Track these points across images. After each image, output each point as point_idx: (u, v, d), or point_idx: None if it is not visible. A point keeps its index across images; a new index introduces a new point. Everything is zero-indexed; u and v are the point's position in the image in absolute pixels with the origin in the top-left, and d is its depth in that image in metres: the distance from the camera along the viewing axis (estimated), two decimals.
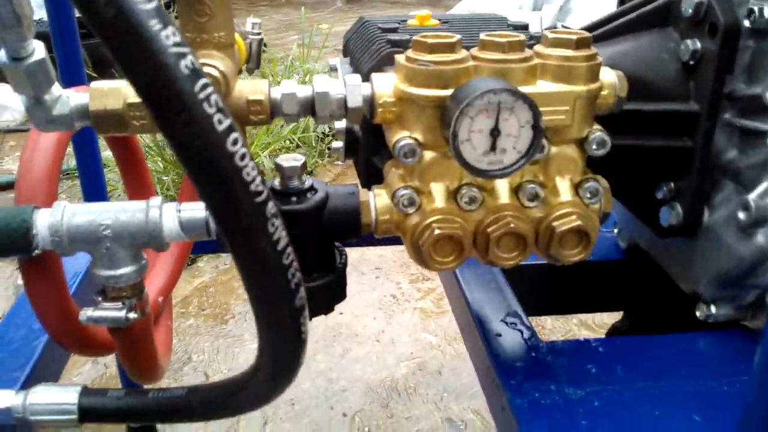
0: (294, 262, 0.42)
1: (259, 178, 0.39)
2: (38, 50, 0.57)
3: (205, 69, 0.60)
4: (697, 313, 0.84)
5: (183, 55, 0.35)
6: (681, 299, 0.89)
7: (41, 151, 0.75)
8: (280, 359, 0.47)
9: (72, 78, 1.09)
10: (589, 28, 0.83)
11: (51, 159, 0.75)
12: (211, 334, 2.01)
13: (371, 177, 0.77)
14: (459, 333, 1.04)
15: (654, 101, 0.78)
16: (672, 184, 0.82)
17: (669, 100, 0.78)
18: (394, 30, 0.80)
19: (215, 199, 0.37)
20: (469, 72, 0.61)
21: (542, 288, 1.06)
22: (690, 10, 0.75)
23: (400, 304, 2.08)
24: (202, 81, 0.36)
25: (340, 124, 0.82)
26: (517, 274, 1.02)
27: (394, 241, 1.10)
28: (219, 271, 2.34)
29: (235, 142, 0.37)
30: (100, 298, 0.73)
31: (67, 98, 0.62)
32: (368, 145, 0.77)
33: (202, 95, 0.36)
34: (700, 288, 0.83)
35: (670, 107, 0.78)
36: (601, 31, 0.81)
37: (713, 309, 0.82)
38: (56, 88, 0.61)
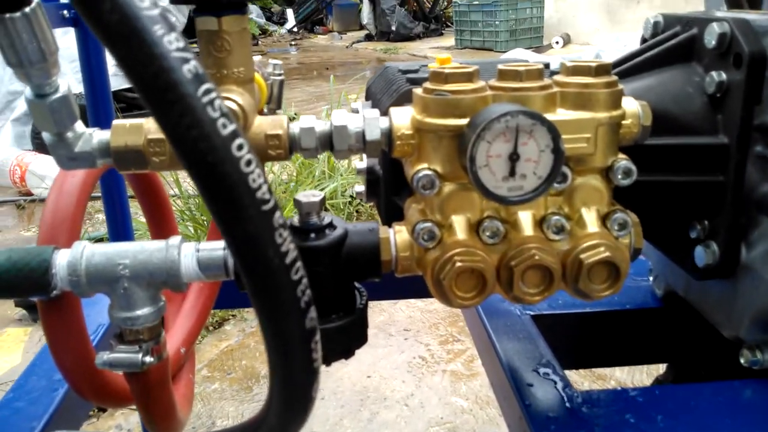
0: (304, 279, 0.41)
1: (266, 186, 0.38)
2: (62, 87, 0.58)
3: (225, 103, 0.60)
4: (741, 360, 0.80)
5: (186, 60, 0.35)
6: (724, 347, 0.84)
7: (66, 193, 0.76)
8: (290, 387, 0.45)
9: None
10: (613, 66, 0.82)
11: (75, 200, 0.75)
12: (236, 398, 1.97)
13: (392, 217, 0.76)
14: (491, 397, 0.99)
15: (681, 135, 0.76)
16: (706, 222, 0.79)
17: (696, 134, 0.76)
18: (414, 71, 0.80)
19: (219, 204, 0.36)
20: (487, 101, 0.60)
21: (576, 339, 1.02)
22: (713, 42, 0.74)
23: (429, 366, 2.02)
24: (206, 86, 0.36)
25: (361, 164, 0.81)
26: (549, 323, 0.99)
27: (418, 292, 1.08)
28: (246, 334, 2.31)
29: (240, 148, 0.36)
30: (116, 342, 0.72)
31: (90, 135, 0.63)
32: (389, 184, 0.76)
33: (205, 99, 0.35)
34: (742, 332, 0.79)
35: (699, 141, 0.76)
36: (624, 68, 0.80)
37: (758, 354, 0.77)
38: (79, 125, 0.62)
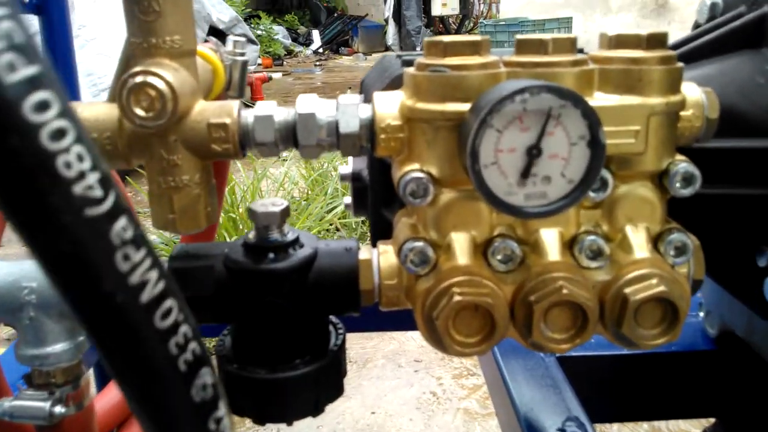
0: (182, 327, 0.25)
1: (99, 175, 0.22)
2: None
3: (148, 79, 0.45)
4: None
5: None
6: None
7: None
8: None
9: None
10: None
11: None
12: None
13: (381, 235, 0.60)
14: None
15: (750, 137, 0.60)
16: None
17: None
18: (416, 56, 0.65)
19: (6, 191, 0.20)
20: (499, 79, 0.45)
21: (610, 386, 0.84)
22: None
23: (441, 403, 1.84)
24: None
25: (346, 169, 0.66)
26: (578, 367, 0.82)
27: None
28: None
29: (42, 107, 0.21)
30: (25, 385, 0.57)
31: None
32: (377, 193, 0.61)
33: None
34: None
35: None
36: (679, 53, 0.64)
37: None
38: None
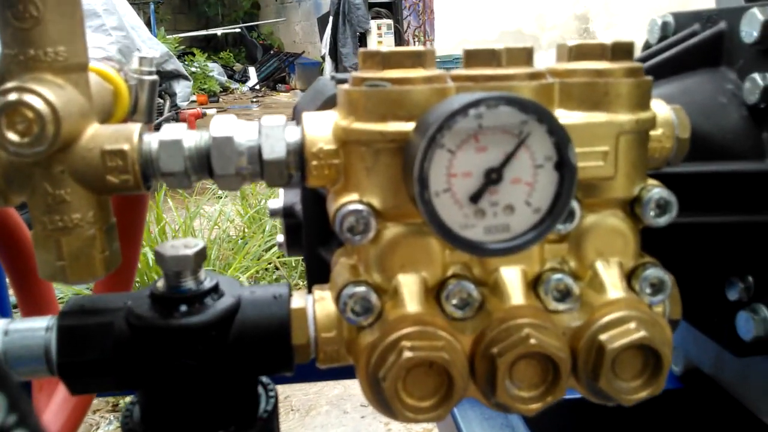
0: None
1: None
2: None
3: (23, 97, 0.37)
4: None
5: None
6: None
7: None
8: None
9: None
10: None
11: None
12: None
13: (318, 277, 0.52)
14: None
15: (715, 161, 0.55)
16: (750, 279, 0.57)
17: (736, 158, 0.55)
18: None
19: None
20: (446, 95, 0.38)
21: (574, 431, 0.78)
22: (755, 34, 0.54)
23: None
24: None
25: (276, 203, 0.58)
26: (539, 413, 0.75)
27: None
28: None
29: None
30: None
31: None
32: (311, 230, 0.53)
33: None
34: None
35: (740, 168, 0.55)
36: None
37: None
38: None
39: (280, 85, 12.04)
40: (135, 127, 0.42)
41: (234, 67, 12.54)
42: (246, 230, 2.80)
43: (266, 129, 0.42)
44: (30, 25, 0.39)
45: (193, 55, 10.57)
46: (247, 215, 2.85)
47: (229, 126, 0.42)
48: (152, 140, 0.41)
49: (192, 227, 2.67)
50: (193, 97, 8.39)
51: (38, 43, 0.39)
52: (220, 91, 10.89)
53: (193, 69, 9.84)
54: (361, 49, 0.41)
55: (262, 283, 2.49)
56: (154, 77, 0.51)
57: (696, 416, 0.76)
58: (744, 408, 0.66)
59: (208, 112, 7.44)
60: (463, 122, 0.33)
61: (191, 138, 0.42)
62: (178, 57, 7.47)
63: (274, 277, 2.56)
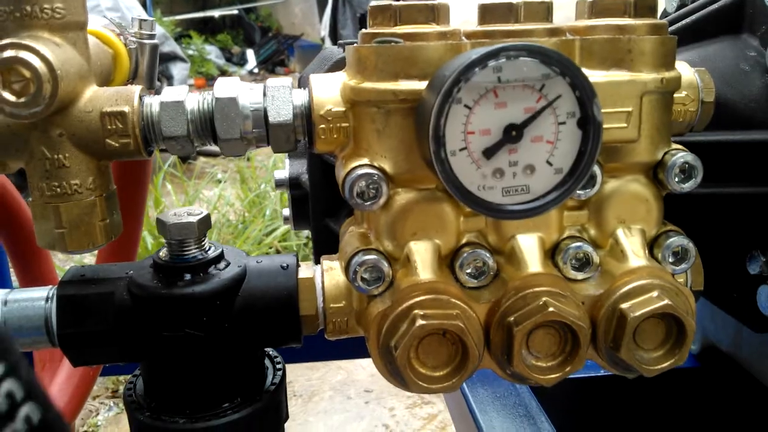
0: None
1: None
2: None
3: (19, 54, 0.35)
4: None
5: None
6: None
7: None
8: None
9: None
10: None
11: None
12: None
13: (325, 249, 0.51)
14: None
15: (737, 130, 0.53)
16: None
17: (759, 127, 0.53)
18: None
19: None
20: (462, 52, 0.37)
21: (588, 411, 0.77)
22: None
23: None
24: None
25: (281, 174, 0.57)
26: (553, 392, 0.74)
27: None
28: None
29: None
30: None
31: None
32: (319, 200, 0.52)
33: None
34: None
35: (763, 137, 0.53)
36: None
37: None
38: None
39: (279, 68, 11.96)
40: (135, 89, 0.40)
41: (232, 50, 12.45)
42: (246, 214, 2.78)
43: (272, 90, 0.40)
44: None
45: (190, 37, 10.49)
46: (247, 199, 2.83)
47: (233, 87, 0.40)
48: (153, 102, 0.40)
49: None
50: (191, 81, 8.34)
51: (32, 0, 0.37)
52: (218, 75, 10.83)
53: (190, 52, 9.76)
54: (372, 4, 0.39)
55: None
56: (155, 41, 0.49)
57: (713, 395, 0.74)
58: (762, 386, 0.64)
59: None
60: (481, 75, 0.31)
61: (194, 100, 0.40)
62: (175, 39, 7.39)
63: None
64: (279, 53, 11.89)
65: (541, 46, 0.31)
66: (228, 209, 2.83)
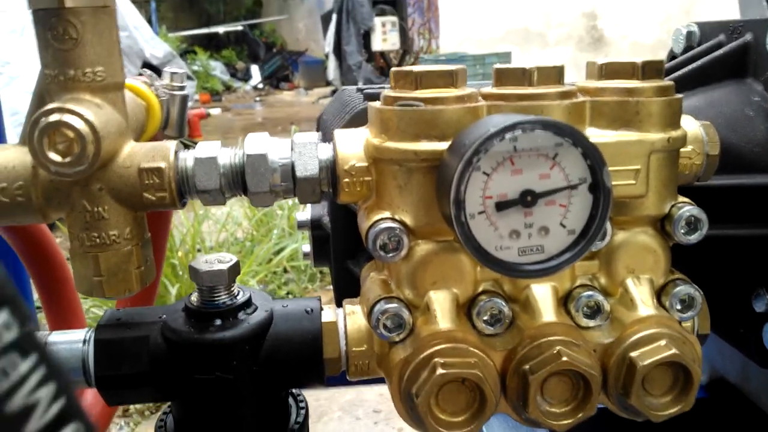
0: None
1: None
2: None
3: (64, 117, 0.37)
4: None
5: None
6: None
7: None
8: None
9: None
10: None
11: None
12: None
13: (346, 291, 0.53)
14: None
15: (742, 173, 0.56)
16: None
17: (763, 171, 0.55)
18: (378, 89, 0.59)
19: None
20: (478, 114, 0.39)
21: None
22: None
23: None
24: None
25: (304, 215, 0.59)
26: None
27: None
28: None
29: None
30: None
31: None
32: (340, 243, 0.54)
33: None
34: None
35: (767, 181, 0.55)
36: None
37: None
38: None
39: (283, 83, 12.03)
40: (171, 145, 0.42)
41: (236, 66, 12.54)
42: (254, 233, 2.80)
43: (299, 146, 0.42)
44: (69, 46, 0.39)
45: (195, 53, 10.58)
46: (255, 217, 2.86)
47: (263, 143, 0.42)
48: (188, 157, 0.42)
49: (200, 230, 2.67)
50: (196, 97, 8.40)
51: (77, 64, 0.40)
52: (223, 90, 10.89)
53: (195, 67, 9.83)
54: (394, 69, 0.41)
55: (271, 287, 2.50)
56: (185, 92, 0.52)
57: (721, 426, 0.76)
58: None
59: (212, 112, 7.44)
60: (499, 145, 0.33)
61: (226, 155, 0.42)
62: (180, 56, 7.47)
63: (283, 280, 2.56)
64: (283, 68, 11.98)
65: (554, 121, 0.33)
66: (236, 228, 2.85)
